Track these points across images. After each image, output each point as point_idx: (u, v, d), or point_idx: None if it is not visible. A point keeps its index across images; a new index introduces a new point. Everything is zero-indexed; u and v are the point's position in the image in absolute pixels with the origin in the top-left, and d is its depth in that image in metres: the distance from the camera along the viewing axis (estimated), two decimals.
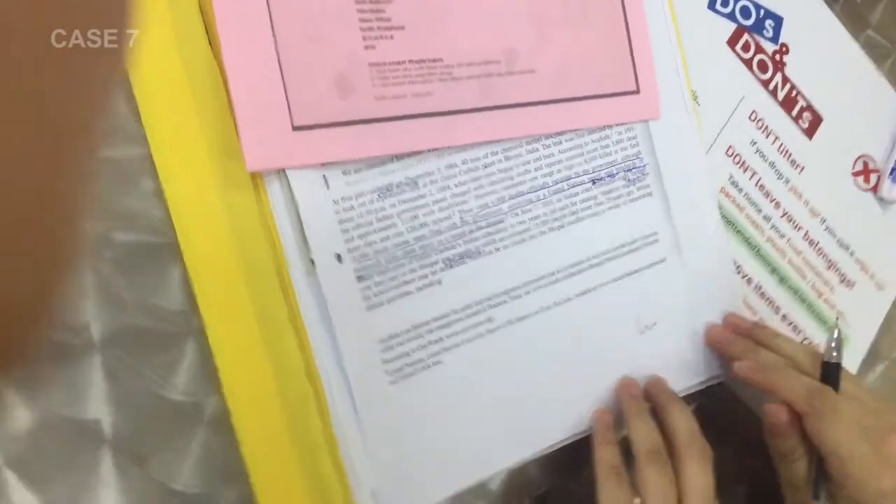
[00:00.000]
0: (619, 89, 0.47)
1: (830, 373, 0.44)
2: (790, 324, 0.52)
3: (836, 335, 0.45)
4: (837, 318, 0.53)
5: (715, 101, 0.51)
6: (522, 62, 0.45)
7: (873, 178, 0.56)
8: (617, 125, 0.47)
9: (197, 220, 0.37)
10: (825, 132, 0.55)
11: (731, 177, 0.51)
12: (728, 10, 0.52)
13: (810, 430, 0.42)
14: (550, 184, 0.45)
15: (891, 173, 0.57)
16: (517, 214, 0.44)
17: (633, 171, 0.48)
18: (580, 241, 0.46)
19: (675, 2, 0.49)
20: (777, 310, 0.52)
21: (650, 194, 0.48)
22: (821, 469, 0.42)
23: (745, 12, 0.53)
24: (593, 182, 0.46)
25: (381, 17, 0.41)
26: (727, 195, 0.51)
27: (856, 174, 0.56)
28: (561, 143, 0.46)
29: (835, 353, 0.44)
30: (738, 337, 0.47)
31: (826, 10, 0.56)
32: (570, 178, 0.46)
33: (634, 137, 0.48)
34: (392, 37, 0.41)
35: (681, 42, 0.49)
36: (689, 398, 0.47)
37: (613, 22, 0.47)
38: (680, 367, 0.48)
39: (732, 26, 0.52)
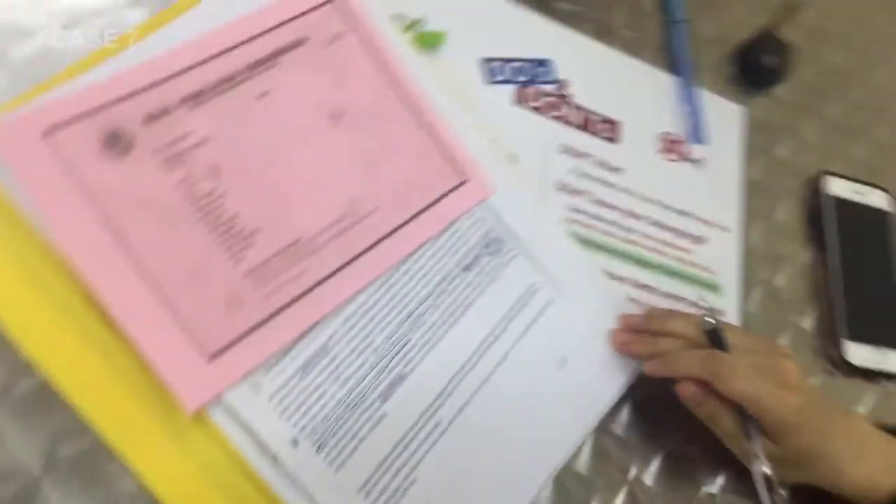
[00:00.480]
0: (450, 186, 0.55)
1: (715, 338, 0.52)
2: (675, 296, 0.60)
3: (703, 307, 0.53)
4: (700, 300, 0.61)
5: (530, 152, 0.59)
6: (365, 205, 0.51)
7: (677, 147, 0.65)
8: (462, 216, 0.54)
9: (175, 484, 0.42)
10: (626, 131, 0.64)
11: (573, 206, 0.59)
12: (503, 76, 0.60)
13: (719, 391, 0.50)
14: (432, 290, 0.52)
15: (690, 138, 0.66)
16: (418, 329, 0.50)
17: (492, 244, 0.55)
18: (478, 321, 0.52)
19: (458, 91, 0.57)
20: (657, 293, 0.60)
21: (515, 256, 0.55)
22: (743, 414, 0.50)
23: (518, 71, 0.61)
24: (465, 269, 0.53)
25: (235, 231, 0.47)
26: (575, 221, 0.59)
27: (663, 151, 0.65)
28: (424, 253, 0.52)
29: (711, 321, 0.52)
30: (637, 335, 0.55)
31: (582, 38, 0.65)
32: (445, 278, 0.52)
33: (481, 218, 0.55)
34: (252, 243, 0.47)
35: (480, 122, 0.57)
36: (632, 393, 0.55)
37: (417, 137, 0.54)
38: (606, 376, 0.55)
39: (513, 88, 0.60)
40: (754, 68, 0.71)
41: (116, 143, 0.45)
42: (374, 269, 0.50)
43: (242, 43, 0.51)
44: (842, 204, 0.69)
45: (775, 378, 0.50)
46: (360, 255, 0.50)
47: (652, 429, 0.56)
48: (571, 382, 0.54)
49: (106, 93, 0.46)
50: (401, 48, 0.56)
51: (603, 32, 0.66)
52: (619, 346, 0.56)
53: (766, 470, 0.50)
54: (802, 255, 0.68)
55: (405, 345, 0.50)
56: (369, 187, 0.52)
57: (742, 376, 0.49)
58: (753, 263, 0.65)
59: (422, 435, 0.49)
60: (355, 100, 0.53)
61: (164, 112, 0.47)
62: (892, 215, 0.71)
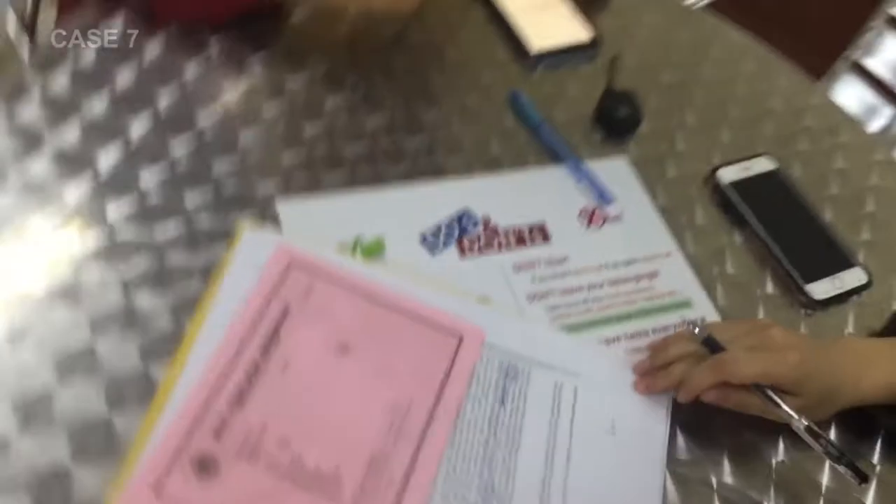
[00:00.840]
0: (453, 348, 0.65)
1: (710, 342, 0.63)
2: (663, 328, 0.71)
3: (687, 324, 0.64)
4: (682, 319, 0.72)
5: (494, 286, 0.70)
6: (402, 403, 0.61)
7: (596, 216, 0.77)
8: (474, 365, 0.64)
9: None
10: (553, 227, 0.75)
11: (548, 306, 0.70)
12: (442, 243, 0.72)
13: (736, 383, 0.60)
14: (488, 433, 0.61)
15: (601, 203, 0.78)
16: (495, 469, 0.60)
17: (509, 371, 0.65)
18: (534, 437, 0.62)
19: (416, 272, 0.68)
20: (648, 333, 0.70)
21: (531, 370, 0.65)
22: (761, 389, 0.60)
23: (449, 232, 0.72)
24: (502, 403, 0.63)
25: (324, 477, 0.56)
26: (557, 316, 0.70)
27: (588, 224, 0.76)
28: (465, 409, 0.62)
29: (697, 331, 0.63)
30: (653, 375, 0.65)
31: (479, 178, 0.77)
32: (491, 418, 0.62)
33: (488, 358, 0.65)
34: (341, 477, 0.56)
35: (444, 286, 0.68)
36: (675, 419, 0.64)
37: (408, 326, 0.65)
38: (650, 419, 0.64)
39: (453, 247, 0.72)
40: (615, 124, 0.84)
41: (207, 466, 0.55)
42: (438, 443, 0.60)
43: (247, 339, 0.61)
44: (739, 184, 0.82)
45: (769, 348, 0.61)
46: (422, 439, 0.59)
47: (707, 438, 0.66)
48: (627, 438, 0.64)
49: (178, 433, 0.56)
50: (358, 268, 0.67)
51: (492, 165, 0.79)
52: (646, 391, 0.66)
53: (804, 422, 0.60)
54: (735, 239, 0.79)
55: (493, 489, 0.59)
56: (397, 388, 0.62)
57: (743, 363, 0.60)
58: (703, 267, 0.76)
59: None
60: (350, 328, 0.64)
61: (224, 425, 0.57)
62: (778, 169, 0.84)
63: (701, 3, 1.31)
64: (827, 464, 0.66)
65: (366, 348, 0.63)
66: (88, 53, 0.76)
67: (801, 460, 0.66)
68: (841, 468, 0.60)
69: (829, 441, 0.60)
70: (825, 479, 0.66)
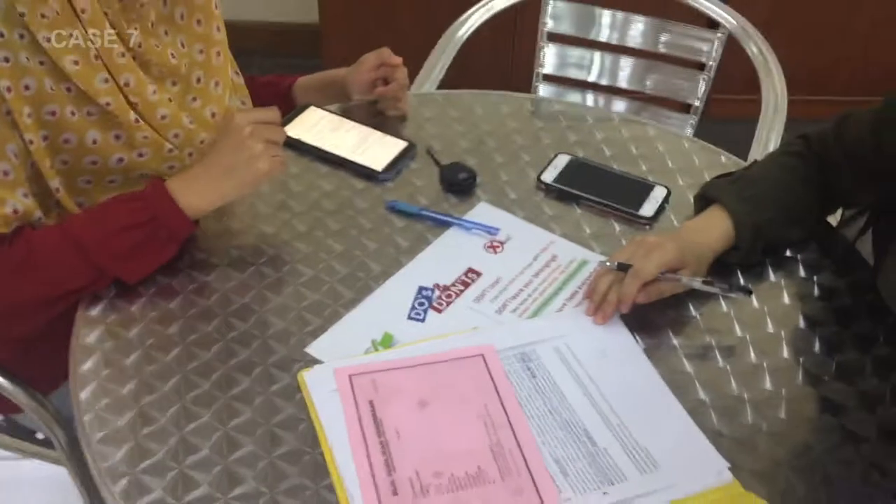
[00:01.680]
0: (486, 371, 0.90)
1: (621, 267, 0.95)
2: (581, 283, 1.01)
3: (599, 265, 0.95)
4: (600, 264, 1.03)
5: (476, 320, 0.96)
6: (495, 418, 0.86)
7: (494, 246, 1.07)
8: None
9: None
10: (475, 265, 1.03)
11: (512, 311, 0.98)
12: (423, 307, 0.97)
13: (649, 280, 0.93)
14: (547, 410, 0.88)
15: (491, 234, 1.07)
16: (572, 416, 0.86)
17: (525, 360, 0.92)
18: (567, 386, 0.89)
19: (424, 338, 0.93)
20: (577, 291, 1.00)
21: (534, 350, 0.92)
22: (667, 275, 0.93)
23: (421, 305, 0.98)
24: (533, 377, 0.90)
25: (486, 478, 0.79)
26: (521, 312, 0.97)
27: (493, 250, 1.05)
28: (526, 408, 0.88)
29: (608, 264, 0.95)
30: (600, 307, 0.95)
31: (413, 262, 1.03)
32: (538, 400, 0.88)
33: (511, 364, 0.91)
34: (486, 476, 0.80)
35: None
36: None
37: (469, 365, 0.90)
38: (617, 334, 0.94)
39: (431, 311, 0.97)
40: (459, 185, 1.14)
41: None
42: (522, 419, 0.85)
43: (364, 434, 0.83)
44: (558, 178, 1.16)
45: (653, 248, 0.94)
46: (511, 422, 0.84)
47: (654, 329, 0.96)
48: (614, 352, 0.93)
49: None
50: (389, 355, 0.91)
51: (411, 252, 1.05)
52: (603, 320, 0.95)
53: (699, 279, 0.93)
54: (579, 211, 1.12)
55: (573, 430, 0.85)
56: (472, 403, 0.86)
57: (646, 266, 0.93)
58: (573, 237, 1.08)
59: None
60: (416, 389, 0.87)
61: (394, 487, 0.79)
62: (572, 158, 1.19)
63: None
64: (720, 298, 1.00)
65: (435, 394, 0.87)
66: None
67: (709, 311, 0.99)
68: (733, 294, 0.94)
69: (720, 283, 0.94)
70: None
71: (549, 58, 1.69)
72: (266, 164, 0.97)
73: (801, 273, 1.05)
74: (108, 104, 0.98)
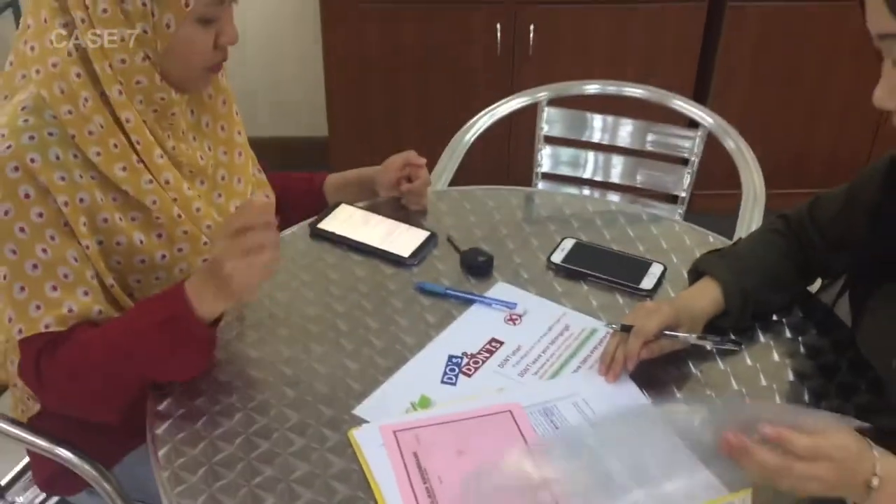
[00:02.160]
0: (514, 424, 1.02)
1: (625, 329, 1.07)
2: (593, 349, 1.14)
3: (608, 330, 1.08)
4: (606, 333, 1.16)
5: (501, 382, 1.08)
6: None
7: (513, 319, 1.19)
8: None
9: None
10: (498, 335, 1.16)
11: (533, 374, 1.10)
12: (451, 378, 1.09)
13: (651, 338, 1.05)
14: None
15: (511, 309, 1.20)
16: None
17: (548, 415, 1.03)
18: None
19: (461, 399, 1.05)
20: (590, 354, 1.13)
21: (555, 406, 1.04)
22: (666, 333, 1.06)
23: (452, 371, 1.10)
24: (556, 429, 1.01)
25: None
26: (542, 374, 1.09)
27: (513, 323, 1.18)
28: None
29: (614, 328, 1.08)
30: (611, 368, 1.08)
31: (438, 337, 1.16)
32: None
33: (536, 418, 1.03)
34: None
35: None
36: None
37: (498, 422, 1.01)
38: (626, 389, 1.06)
39: (461, 376, 1.10)
40: (479, 268, 1.28)
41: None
42: None
43: (412, 484, 0.94)
44: (566, 259, 1.30)
45: (653, 312, 1.08)
46: None
47: (657, 383, 1.08)
48: (624, 403, 1.05)
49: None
50: (428, 413, 1.03)
51: (439, 326, 1.18)
52: (614, 379, 1.08)
53: (694, 336, 1.07)
54: (586, 287, 1.26)
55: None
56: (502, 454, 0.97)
57: (647, 326, 1.07)
58: (583, 309, 1.21)
59: None
60: (454, 441, 0.99)
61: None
62: (578, 241, 1.33)
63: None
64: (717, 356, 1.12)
65: (470, 445, 0.99)
66: None
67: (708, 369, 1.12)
68: (725, 346, 1.08)
69: (712, 338, 1.07)
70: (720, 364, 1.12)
71: (547, 158, 1.86)
72: (241, 279, 0.99)
73: (787, 334, 1.18)
74: (154, 202, 1.11)
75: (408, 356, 1.13)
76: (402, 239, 1.33)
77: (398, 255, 1.30)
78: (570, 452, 0.95)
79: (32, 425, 1.19)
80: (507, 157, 2.66)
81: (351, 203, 1.40)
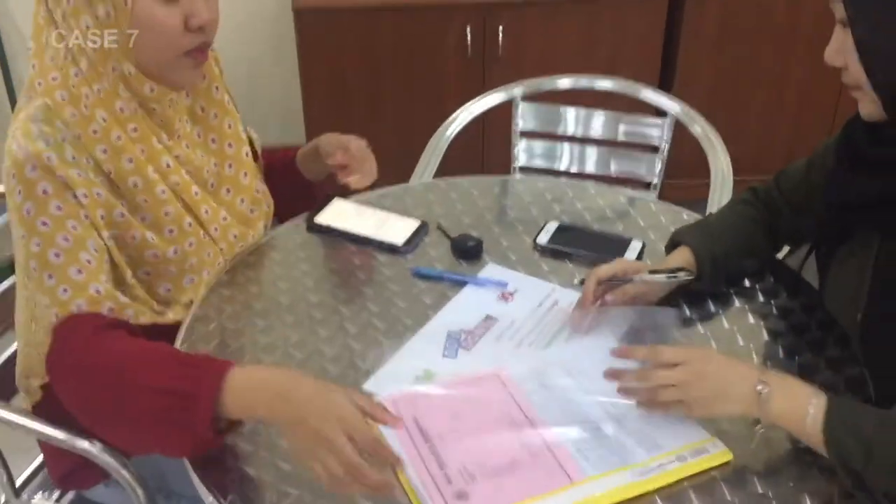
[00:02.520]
0: (503, 384, 1.09)
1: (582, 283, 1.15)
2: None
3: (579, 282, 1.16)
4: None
5: (501, 357, 1.16)
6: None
7: (506, 297, 1.27)
8: None
9: None
10: (492, 313, 1.23)
11: (528, 344, 1.17)
12: (451, 351, 1.16)
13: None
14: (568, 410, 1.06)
15: (501, 288, 1.28)
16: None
17: (538, 377, 1.11)
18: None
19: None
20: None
21: (545, 370, 1.12)
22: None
23: (451, 346, 1.17)
24: (546, 388, 1.09)
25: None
26: (531, 344, 1.17)
27: (505, 300, 1.26)
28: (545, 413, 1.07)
29: (576, 282, 1.16)
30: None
31: (432, 321, 1.23)
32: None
33: (521, 376, 1.11)
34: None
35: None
36: None
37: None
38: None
39: (460, 349, 1.17)
40: (469, 252, 1.36)
41: (463, 495, 0.93)
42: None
43: (416, 444, 1.01)
44: (552, 240, 1.37)
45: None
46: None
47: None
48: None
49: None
50: (432, 384, 1.10)
51: (436, 306, 1.25)
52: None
53: (652, 271, 1.15)
54: (571, 265, 1.34)
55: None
56: (497, 411, 1.05)
57: (605, 266, 1.14)
58: (569, 285, 1.29)
59: None
60: (450, 405, 1.06)
61: (447, 478, 0.96)
62: (561, 223, 1.41)
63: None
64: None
65: (465, 407, 1.06)
66: None
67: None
68: (679, 276, 1.18)
69: (664, 271, 1.18)
70: None
71: (523, 152, 1.94)
72: (326, 475, 0.89)
73: (760, 298, 1.27)
74: (163, 192, 1.16)
75: (409, 335, 1.20)
76: (394, 228, 1.40)
77: (392, 244, 1.37)
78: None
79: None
80: (481, 153, 2.73)
81: (344, 198, 1.47)
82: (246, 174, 1.32)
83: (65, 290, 1.07)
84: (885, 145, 1.02)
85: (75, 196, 1.09)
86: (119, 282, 1.16)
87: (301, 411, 0.91)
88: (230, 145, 1.29)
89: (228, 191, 1.29)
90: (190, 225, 1.21)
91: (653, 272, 1.19)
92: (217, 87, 1.27)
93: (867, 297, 1.08)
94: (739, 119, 2.79)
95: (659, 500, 0.96)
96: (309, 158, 1.47)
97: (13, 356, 1.33)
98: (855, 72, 0.99)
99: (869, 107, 1.01)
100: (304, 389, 0.93)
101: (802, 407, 0.95)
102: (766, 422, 0.97)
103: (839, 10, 0.98)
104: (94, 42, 1.09)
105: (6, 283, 1.35)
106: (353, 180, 1.36)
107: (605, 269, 1.18)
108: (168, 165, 1.18)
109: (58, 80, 1.11)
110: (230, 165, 1.29)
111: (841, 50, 1.00)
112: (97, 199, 1.12)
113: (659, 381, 1.00)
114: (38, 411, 1.21)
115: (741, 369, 0.99)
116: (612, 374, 1.05)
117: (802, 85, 2.74)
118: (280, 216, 1.43)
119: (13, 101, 2.70)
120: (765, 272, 1.31)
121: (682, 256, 1.22)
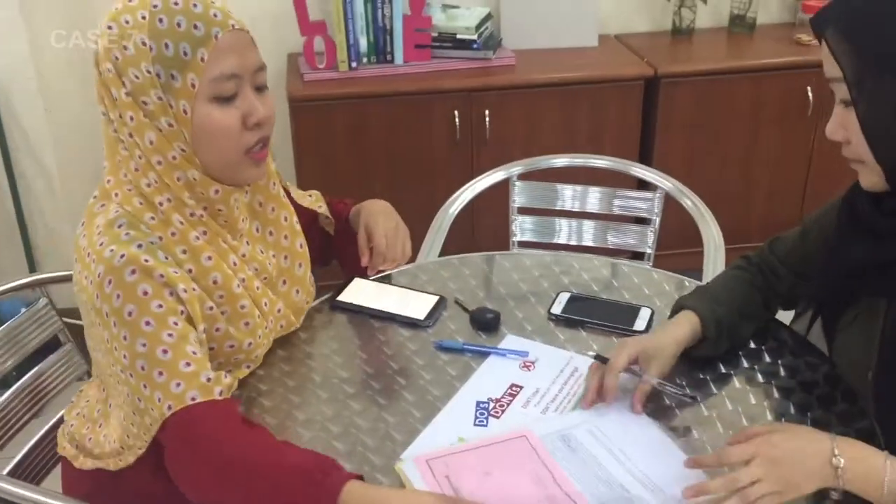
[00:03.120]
0: (530, 447, 1.14)
1: (599, 358, 1.22)
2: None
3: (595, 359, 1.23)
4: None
5: (526, 423, 1.21)
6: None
7: (527, 364, 1.33)
8: None
9: None
10: (517, 381, 1.29)
11: (552, 411, 1.23)
12: (482, 420, 1.21)
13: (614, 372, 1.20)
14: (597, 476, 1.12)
15: (523, 356, 1.34)
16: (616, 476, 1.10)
17: (566, 440, 1.16)
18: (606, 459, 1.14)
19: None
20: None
21: (571, 433, 1.17)
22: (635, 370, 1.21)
23: (482, 415, 1.22)
24: (574, 451, 1.14)
25: None
26: (554, 412, 1.23)
27: (527, 369, 1.32)
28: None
29: (595, 356, 1.23)
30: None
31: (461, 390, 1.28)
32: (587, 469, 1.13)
33: (553, 443, 1.16)
34: None
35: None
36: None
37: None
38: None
39: (490, 418, 1.22)
40: (488, 325, 1.42)
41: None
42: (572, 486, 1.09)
43: None
44: (565, 309, 1.44)
45: (618, 347, 1.23)
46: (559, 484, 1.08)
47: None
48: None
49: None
50: (454, 448, 1.14)
51: (462, 378, 1.31)
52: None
53: (660, 383, 1.22)
54: (584, 333, 1.41)
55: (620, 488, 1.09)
56: (524, 474, 1.10)
57: (617, 360, 1.23)
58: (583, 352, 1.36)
59: None
60: (481, 465, 1.10)
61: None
62: (573, 294, 1.48)
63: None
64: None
65: (495, 466, 1.12)
66: None
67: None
68: (682, 396, 1.23)
69: (672, 387, 1.23)
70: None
71: (521, 227, 2.03)
72: None
73: (767, 359, 1.34)
74: (238, 286, 1.22)
75: (439, 406, 1.25)
76: (414, 304, 1.46)
77: (414, 319, 1.43)
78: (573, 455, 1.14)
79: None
80: (471, 231, 2.81)
81: (365, 278, 1.53)
82: (301, 265, 1.37)
83: (178, 384, 1.11)
84: (888, 215, 1.10)
85: (173, 293, 1.14)
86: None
87: None
88: (286, 237, 1.35)
89: (285, 282, 1.35)
90: (259, 317, 1.27)
91: (660, 384, 1.23)
92: (274, 183, 1.33)
93: (877, 357, 1.15)
94: (714, 194, 2.89)
95: None
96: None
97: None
98: (858, 146, 1.07)
99: (871, 179, 1.09)
100: None
101: (878, 474, 0.99)
102: (842, 489, 1.01)
103: (841, 91, 1.06)
104: (160, 163, 1.14)
105: None
106: (381, 267, 1.46)
107: (619, 363, 1.21)
108: (235, 263, 1.24)
109: (133, 191, 1.17)
110: (286, 258, 1.35)
111: (842, 126, 1.08)
112: (193, 294, 1.16)
113: (747, 482, 1.00)
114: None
115: (811, 444, 1.02)
116: (695, 491, 1.03)
117: (772, 162, 2.88)
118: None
119: (16, 197, 2.73)
120: (767, 336, 1.38)
121: (688, 319, 1.29)
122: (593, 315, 1.44)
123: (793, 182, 2.91)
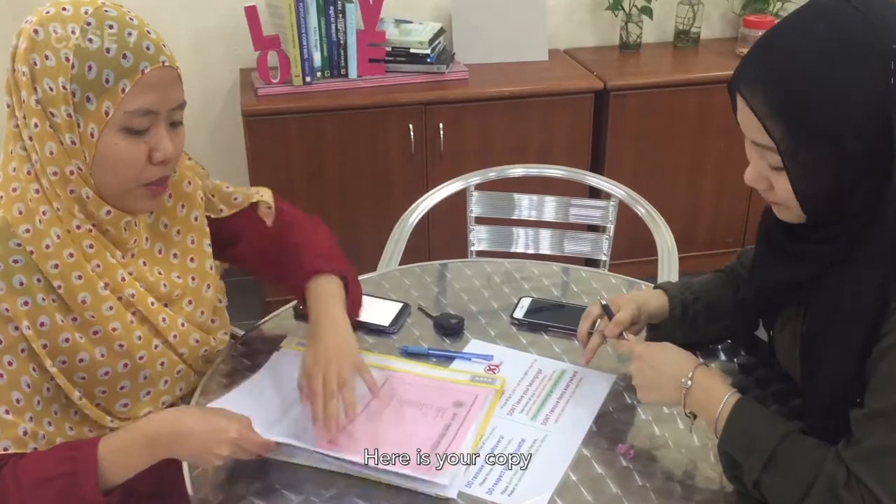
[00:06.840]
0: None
1: (606, 311, 1.29)
2: (561, 392, 1.30)
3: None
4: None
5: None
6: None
7: (493, 370, 1.35)
8: None
9: None
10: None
11: (519, 411, 1.25)
12: None
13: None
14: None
15: (489, 362, 1.36)
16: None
17: None
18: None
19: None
20: (562, 396, 1.29)
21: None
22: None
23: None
24: None
25: None
26: (521, 412, 1.25)
27: (493, 372, 1.34)
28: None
29: (603, 303, 1.27)
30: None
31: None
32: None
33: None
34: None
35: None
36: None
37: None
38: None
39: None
40: (451, 330, 1.44)
41: None
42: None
43: None
44: (527, 314, 1.47)
45: (625, 300, 1.27)
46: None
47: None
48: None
49: None
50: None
51: None
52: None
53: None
54: (546, 337, 1.43)
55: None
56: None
57: (622, 314, 1.27)
58: (546, 353, 1.38)
59: None
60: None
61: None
62: (534, 297, 1.51)
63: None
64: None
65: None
66: None
67: None
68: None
69: None
70: None
71: (478, 237, 2.06)
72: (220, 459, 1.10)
73: (723, 357, 1.39)
74: (110, 308, 1.15)
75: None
76: (378, 311, 1.48)
77: (379, 325, 1.45)
78: None
79: None
80: (426, 242, 2.83)
81: None
82: (209, 286, 1.31)
83: None
84: (800, 240, 1.11)
85: (17, 328, 1.09)
86: (68, 404, 1.16)
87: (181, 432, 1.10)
88: (192, 259, 1.30)
89: (190, 302, 1.29)
90: (140, 338, 1.20)
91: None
92: (183, 206, 1.29)
93: (800, 355, 1.19)
94: (664, 203, 2.97)
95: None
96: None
97: None
98: (783, 196, 1.05)
99: (789, 216, 1.09)
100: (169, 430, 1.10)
101: (714, 406, 1.10)
102: (688, 411, 1.14)
103: (772, 159, 1.02)
104: (55, 174, 1.11)
105: None
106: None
107: (628, 316, 1.29)
108: (123, 279, 1.18)
109: (17, 193, 1.12)
110: (193, 278, 1.30)
111: (763, 174, 1.06)
112: (41, 330, 1.11)
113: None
114: None
115: (676, 361, 1.17)
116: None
117: (718, 170, 2.97)
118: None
119: None
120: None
121: (659, 297, 1.34)
122: (555, 319, 1.47)
123: (738, 190, 2.99)
